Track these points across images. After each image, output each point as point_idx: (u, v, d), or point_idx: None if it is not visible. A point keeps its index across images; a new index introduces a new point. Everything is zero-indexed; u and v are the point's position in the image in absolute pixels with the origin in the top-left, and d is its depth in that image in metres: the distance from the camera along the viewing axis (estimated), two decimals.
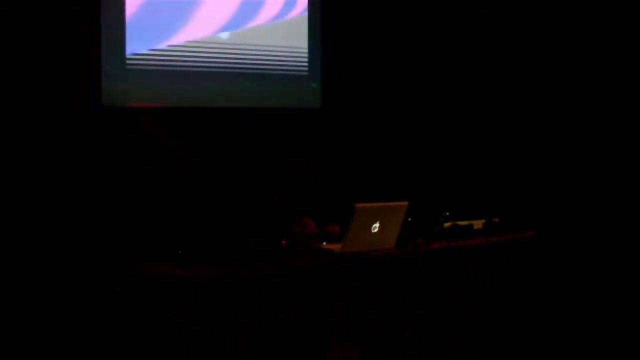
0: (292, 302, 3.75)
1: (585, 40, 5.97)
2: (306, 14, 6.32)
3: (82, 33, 5.29)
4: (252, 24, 6.03)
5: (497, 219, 4.72)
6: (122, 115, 5.47)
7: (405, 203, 4.09)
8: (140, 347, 3.61)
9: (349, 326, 3.94)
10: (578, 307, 5.36)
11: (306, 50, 6.34)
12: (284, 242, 4.14)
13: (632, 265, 5.54)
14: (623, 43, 5.79)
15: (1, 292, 4.75)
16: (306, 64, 6.33)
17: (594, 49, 5.92)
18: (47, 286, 4.91)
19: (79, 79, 5.28)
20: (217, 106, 5.87)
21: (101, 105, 5.38)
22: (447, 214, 4.55)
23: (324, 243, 4.19)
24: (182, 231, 5.21)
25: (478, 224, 4.63)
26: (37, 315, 4.79)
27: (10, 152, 4.97)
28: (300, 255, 3.99)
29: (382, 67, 6.67)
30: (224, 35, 5.90)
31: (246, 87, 6.00)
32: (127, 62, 5.51)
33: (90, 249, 5.13)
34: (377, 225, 3.99)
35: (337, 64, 6.48)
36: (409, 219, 4.26)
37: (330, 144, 6.28)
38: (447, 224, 4.50)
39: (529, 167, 6.17)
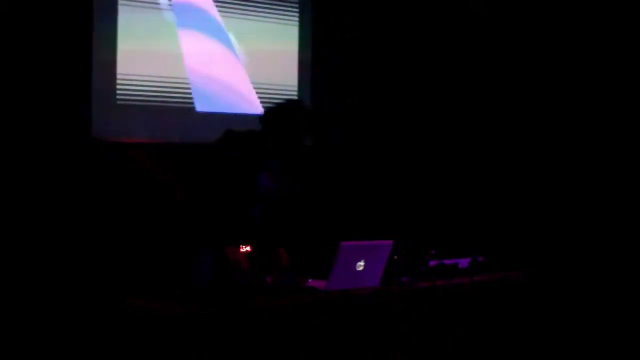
0: (280, 338, 3.74)
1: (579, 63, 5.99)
2: (297, 49, 6.40)
3: (73, 67, 5.34)
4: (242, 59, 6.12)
5: (482, 258, 4.73)
6: (111, 149, 5.49)
7: (390, 242, 4.11)
8: None
9: None
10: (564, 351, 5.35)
11: (296, 87, 6.39)
12: (268, 278, 4.14)
13: (620, 304, 5.55)
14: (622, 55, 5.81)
15: None
16: None
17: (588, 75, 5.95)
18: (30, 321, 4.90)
19: (69, 111, 5.32)
20: (206, 142, 5.88)
21: (91, 139, 5.41)
22: (433, 252, 4.56)
23: (309, 280, 4.20)
24: (173, 265, 5.19)
25: (464, 262, 4.64)
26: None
27: None
28: (286, 292, 3.99)
29: (371, 104, 6.72)
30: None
31: (235, 124, 6.03)
32: (118, 97, 5.55)
33: (79, 282, 5.12)
34: (362, 263, 4.00)
35: (327, 100, 6.53)
36: (395, 258, 4.26)
37: (317, 181, 6.30)
38: (432, 263, 4.50)
39: (515, 206, 6.19)
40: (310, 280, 4.19)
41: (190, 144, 5.78)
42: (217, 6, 5.99)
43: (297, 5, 6.42)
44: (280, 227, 4.41)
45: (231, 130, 4.30)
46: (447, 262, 4.55)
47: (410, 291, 4.21)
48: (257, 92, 6.11)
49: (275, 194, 4.30)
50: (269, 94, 6.19)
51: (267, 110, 4.33)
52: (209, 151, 4.31)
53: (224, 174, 4.18)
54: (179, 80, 5.81)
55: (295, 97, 6.25)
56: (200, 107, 5.91)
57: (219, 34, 6.01)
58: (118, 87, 5.55)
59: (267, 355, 3.69)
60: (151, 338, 3.57)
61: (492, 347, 4.64)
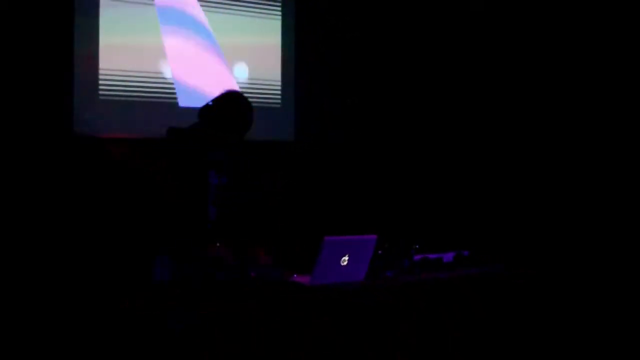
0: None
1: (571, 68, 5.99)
2: (279, 45, 6.37)
3: (55, 62, 5.29)
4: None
5: (467, 252, 4.73)
6: (93, 145, 5.46)
7: (374, 236, 4.10)
8: None
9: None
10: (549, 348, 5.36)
11: (279, 81, 6.37)
12: (253, 274, 4.12)
13: (604, 300, 5.57)
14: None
15: None
16: (279, 96, 6.36)
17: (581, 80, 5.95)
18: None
19: (50, 107, 5.28)
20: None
21: (72, 134, 5.38)
22: (417, 247, 4.56)
23: (294, 275, 4.18)
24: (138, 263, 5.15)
25: (448, 257, 4.64)
26: None
27: None
28: (271, 288, 3.97)
29: (356, 98, 6.71)
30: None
31: None
32: (100, 92, 5.52)
33: (59, 281, 5.08)
34: (346, 258, 3.99)
35: (311, 96, 6.51)
36: (379, 252, 4.26)
37: (302, 176, 6.29)
38: (417, 257, 4.50)
39: (500, 200, 6.20)
40: (295, 275, 4.18)
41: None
42: (199, 0, 5.96)
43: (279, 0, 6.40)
44: (260, 225, 4.39)
45: (174, 128, 4.31)
46: (432, 256, 4.55)
47: (394, 285, 4.20)
48: (240, 87, 6.09)
49: (226, 189, 4.27)
50: (252, 88, 6.17)
51: (207, 104, 4.32)
52: (157, 149, 4.31)
53: (174, 172, 4.18)
54: (162, 75, 5.78)
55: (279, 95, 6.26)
56: (183, 102, 5.88)
57: (201, 29, 5.98)
58: (100, 82, 5.51)
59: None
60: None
61: (477, 341, 4.64)
